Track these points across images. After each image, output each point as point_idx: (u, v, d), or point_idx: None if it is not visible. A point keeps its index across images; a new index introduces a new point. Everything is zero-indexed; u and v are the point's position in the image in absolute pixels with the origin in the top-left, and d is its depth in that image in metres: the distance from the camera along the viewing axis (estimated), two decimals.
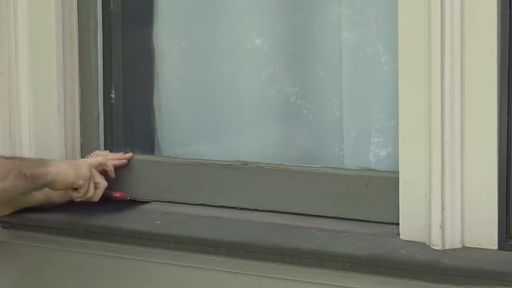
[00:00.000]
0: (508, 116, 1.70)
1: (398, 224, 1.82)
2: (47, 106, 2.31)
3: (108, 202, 2.16)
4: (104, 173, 2.17)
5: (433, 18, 1.71)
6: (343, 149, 2.10)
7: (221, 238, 1.91)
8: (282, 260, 1.82)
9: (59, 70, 2.30)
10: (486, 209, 1.72)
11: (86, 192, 2.06)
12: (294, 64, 2.20)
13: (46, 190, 2.08)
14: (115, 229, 2.04)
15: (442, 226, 1.73)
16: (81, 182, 2.03)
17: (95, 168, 2.11)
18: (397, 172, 1.82)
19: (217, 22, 2.29)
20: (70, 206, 2.14)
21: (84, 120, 2.36)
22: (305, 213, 2.00)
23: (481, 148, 1.71)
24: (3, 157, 2.01)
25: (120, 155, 2.25)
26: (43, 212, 2.14)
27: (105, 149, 2.38)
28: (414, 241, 1.78)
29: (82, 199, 2.07)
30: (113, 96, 2.39)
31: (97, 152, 2.26)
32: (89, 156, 2.23)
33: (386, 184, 1.88)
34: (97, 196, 2.09)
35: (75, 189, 2.05)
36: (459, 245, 1.74)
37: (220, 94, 2.31)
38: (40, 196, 2.11)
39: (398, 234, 1.81)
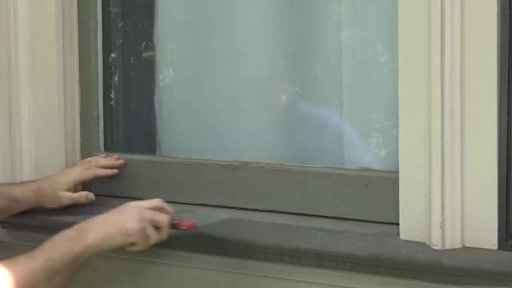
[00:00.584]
0: (508, 116, 1.70)
1: (398, 224, 1.82)
2: (47, 106, 2.31)
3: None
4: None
5: (433, 18, 1.71)
6: (343, 149, 2.10)
7: (220, 237, 1.91)
8: (282, 260, 1.82)
9: (59, 70, 2.30)
10: (486, 209, 1.72)
11: (146, 241, 1.77)
12: (294, 64, 2.20)
13: (36, 195, 2.08)
14: None
15: (442, 226, 1.73)
16: (130, 239, 1.75)
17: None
18: (397, 172, 1.82)
19: (217, 22, 2.29)
20: (70, 206, 2.14)
21: (84, 120, 2.35)
22: (305, 213, 2.00)
23: (481, 148, 1.71)
24: None
25: (111, 161, 2.22)
26: (43, 213, 2.14)
27: (105, 150, 2.38)
28: (414, 241, 1.78)
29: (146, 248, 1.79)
30: (113, 96, 2.39)
31: (90, 159, 2.24)
32: (84, 163, 2.21)
33: (386, 184, 1.88)
34: (164, 235, 1.80)
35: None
36: (459, 245, 1.74)
37: (220, 94, 2.30)
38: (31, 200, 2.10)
39: (398, 234, 1.81)
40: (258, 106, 2.25)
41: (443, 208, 1.73)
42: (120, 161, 2.22)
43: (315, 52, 2.15)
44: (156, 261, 2.01)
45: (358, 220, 1.93)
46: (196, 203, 2.15)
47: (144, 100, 2.44)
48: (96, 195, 2.17)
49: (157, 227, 1.78)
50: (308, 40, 2.16)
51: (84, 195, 2.13)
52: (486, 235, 1.72)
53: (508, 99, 1.70)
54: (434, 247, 1.74)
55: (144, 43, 2.41)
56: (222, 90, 2.30)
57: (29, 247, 2.06)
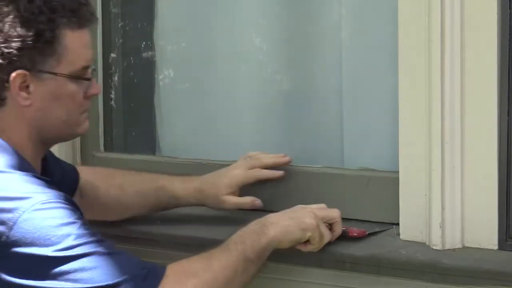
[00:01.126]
0: (508, 116, 1.70)
1: (398, 224, 1.82)
2: None
3: None
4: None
5: (433, 18, 1.71)
6: (343, 149, 2.10)
7: (220, 237, 1.91)
8: (282, 260, 1.82)
9: None
10: (486, 209, 1.72)
11: (321, 238, 1.74)
12: (294, 64, 2.20)
13: (199, 195, 1.98)
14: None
15: (442, 226, 1.73)
16: (308, 234, 1.72)
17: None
18: (397, 172, 1.82)
19: (217, 22, 2.29)
20: None
21: None
22: None
23: (481, 148, 1.71)
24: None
25: (277, 159, 2.01)
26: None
27: (105, 150, 2.38)
28: (414, 241, 1.78)
29: (319, 248, 1.76)
30: (113, 96, 2.39)
31: (254, 153, 2.04)
32: (248, 159, 2.01)
33: (386, 184, 1.88)
34: (339, 230, 1.78)
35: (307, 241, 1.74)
36: (459, 245, 1.74)
37: (220, 94, 2.30)
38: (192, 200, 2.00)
39: (398, 234, 1.81)
40: (258, 106, 2.25)
41: (443, 208, 1.73)
42: (287, 159, 2.03)
43: (315, 52, 2.15)
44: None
45: (358, 220, 1.93)
46: None
47: (144, 100, 2.44)
48: None
49: (329, 226, 1.77)
50: (308, 40, 2.16)
51: (249, 201, 1.99)
52: (486, 235, 1.72)
53: (508, 99, 1.70)
54: (434, 247, 1.74)
55: (144, 43, 2.41)
56: (222, 90, 2.30)
57: None
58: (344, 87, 2.09)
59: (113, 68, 2.39)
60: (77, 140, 2.34)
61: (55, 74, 1.67)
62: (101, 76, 2.36)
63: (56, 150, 2.28)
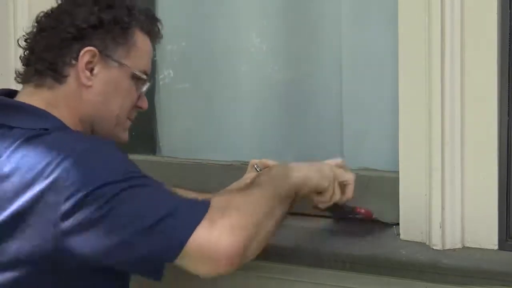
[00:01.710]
0: (508, 116, 1.70)
1: (398, 224, 1.82)
2: None
3: None
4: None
5: (433, 18, 1.71)
6: (343, 149, 2.10)
7: None
8: (282, 260, 1.82)
9: None
10: (486, 209, 1.72)
11: (332, 195, 1.77)
12: (294, 64, 2.20)
13: None
14: None
15: (442, 226, 1.73)
16: (326, 184, 1.75)
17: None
18: (397, 172, 1.82)
19: (217, 22, 2.29)
20: None
21: None
22: (305, 213, 2.00)
23: (481, 148, 1.71)
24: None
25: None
26: None
27: None
28: (414, 241, 1.78)
29: (328, 204, 1.79)
30: None
31: (264, 160, 2.01)
32: (256, 166, 1.99)
33: (386, 184, 1.88)
34: (350, 194, 1.80)
35: (319, 193, 1.77)
36: (459, 245, 1.74)
37: (220, 94, 2.31)
38: None
39: (398, 234, 1.81)
40: (258, 106, 2.25)
41: (443, 208, 1.73)
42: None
43: (315, 52, 2.15)
44: None
45: (357, 220, 1.93)
46: None
47: None
48: None
49: (343, 187, 1.79)
50: (308, 40, 2.17)
51: None
52: (486, 235, 1.72)
53: (508, 99, 1.70)
54: (434, 247, 1.74)
55: None
56: (222, 90, 2.30)
57: None
58: (344, 87, 2.09)
59: None
60: None
61: (122, 64, 1.71)
62: None
63: None
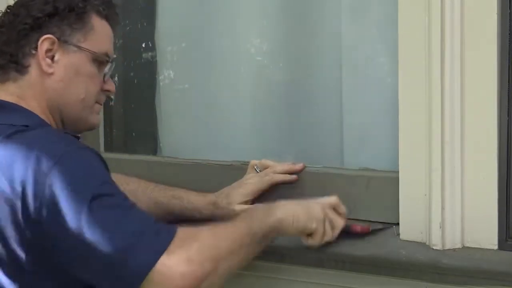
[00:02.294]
0: (508, 116, 1.70)
1: (398, 224, 1.82)
2: None
3: None
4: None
5: (433, 18, 1.71)
6: (343, 149, 2.10)
7: None
8: (282, 260, 1.82)
9: None
10: (486, 209, 1.72)
11: (323, 235, 1.75)
12: (294, 65, 2.20)
13: (213, 208, 1.99)
14: None
15: (442, 226, 1.73)
16: (313, 225, 1.73)
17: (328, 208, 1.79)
18: (397, 172, 1.82)
19: (217, 23, 2.29)
20: None
21: None
22: None
23: (481, 148, 1.71)
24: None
25: (288, 167, 2.02)
26: None
27: (105, 150, 2.38)
28: (414, 241, 1.78)
29: (320, 245, 1.76)
30: (113, 97, 2.38)
31: (264, 161, 2.04)
32: (255, 167, 2.03)
33: (386, 184, 1.88)
34: (334, 236, 1.78)
35: (309, 234, 1.75)
36: (459, 245, 1.74)
37: (220, 95, 2.31)
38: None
39: (398, 234, 1.81)
40: (258, 106, 2.25)
41: (443, 208, 1.73)
42: (299, 166, 2.02)
43: (315, 52, 2.15)
44: None
45: (358, 220, 1.93)
46: None
47: (144, 101, 2.44)
48: None
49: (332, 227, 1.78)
50: (308, 40, 2.17)
51: None
52: (486, 235, 1.72)
53: (508, 99, 1.70)
54: (434, 247, 1.74)
55: (144, 43, 2.41)
56: (221, 90, 2.30)
57: None
58: (344, 87, 2.09)
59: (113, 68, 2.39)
60: None
61: (81, 48, 1.74)
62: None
63: None
